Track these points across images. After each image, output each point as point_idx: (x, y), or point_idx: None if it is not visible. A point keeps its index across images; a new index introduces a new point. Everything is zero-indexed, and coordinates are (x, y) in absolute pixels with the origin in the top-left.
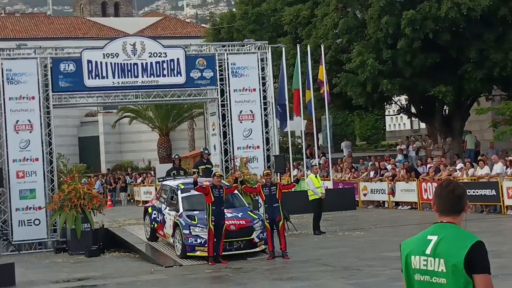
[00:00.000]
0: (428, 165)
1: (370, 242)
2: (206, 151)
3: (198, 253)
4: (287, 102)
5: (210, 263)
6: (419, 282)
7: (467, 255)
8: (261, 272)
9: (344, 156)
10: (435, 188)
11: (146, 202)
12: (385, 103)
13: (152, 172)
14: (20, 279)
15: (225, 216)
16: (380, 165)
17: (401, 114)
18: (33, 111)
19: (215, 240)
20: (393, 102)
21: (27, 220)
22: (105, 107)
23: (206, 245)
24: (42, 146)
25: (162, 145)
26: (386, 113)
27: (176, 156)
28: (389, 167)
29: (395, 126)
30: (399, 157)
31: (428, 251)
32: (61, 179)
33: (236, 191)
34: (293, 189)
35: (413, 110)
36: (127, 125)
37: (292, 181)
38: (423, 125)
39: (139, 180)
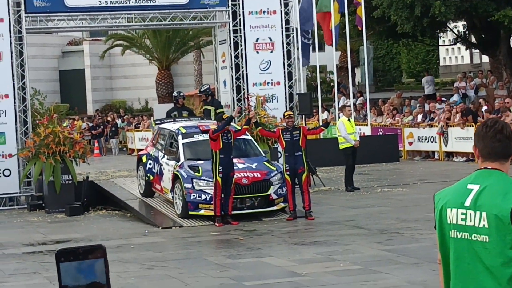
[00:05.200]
0: (484, 107)
1: (415, 200)
2: (198, 92)
3: (202, 212)
4: (315, 28)
5: (217, 224)
6: (455, 240)
7: None
8: (279, 235)
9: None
10: (477, 128)
11: (142, 150)
12: (438, 31)
13: (150, 114)
14: None
15: (236, 167)
16: (430, 107)
17: (458, 45)
18: (2, 36)
19: (223, 196)
20: (448, 30)
21: None
22: (91, 33)
23: (212, 202)
24: (13, 79)
25: (162, 81)
26: (440, 43)
27: (180, 94)
28: (440, 108)
29: (451, 59)
30: (455, 97)
31: (467, 203)
32: (37, 120)
33: (248, 136)
34: (321, 135)
35: (472, 39)
36: (119, 56)
37: (320, 125)
38: (485, 58)
39: (133, 125)
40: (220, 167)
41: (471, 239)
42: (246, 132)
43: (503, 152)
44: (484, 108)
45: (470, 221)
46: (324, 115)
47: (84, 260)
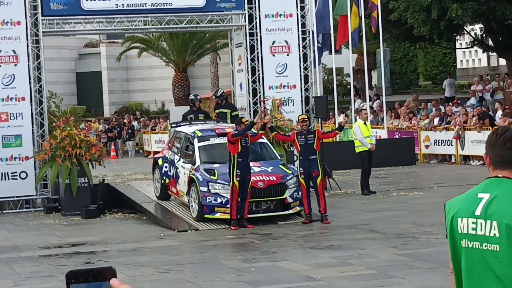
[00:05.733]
0: (498, 112)
1: (431, 204)
2: (213, 97)
3: (218, 215)
4: (332, 31)
5: (233, 228)
6: (466, 249)
7: None
8: (294, 239)
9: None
10: (488, 136)
11: (158, 152)
12: (455, 34)
13: (166, 117)
14: (2, 243)
15: (252, 171)
16: (446, 110)
17: (475, 48)
18: (19, 39)
19: (239, 199)
20: (465, 33)
21: (12, 173)
22: (108, 35)
23: (228, 205)
24: (30, 82)
25: (179, 84)
26: (457, 45)
27: (196, 97)
28: (457, 112)
29: (468, 62)
30: (472, 100)
31: (477, 212)
32: (53, 123)
33: (264, 139)
34: (337, 138)
35: (490, 42)
36: (135, 58)
37: (335, 128)
38: (502, 61)
39: (149, 127)
40: (238, 171)
41: (482, 248)
42: (262, 136)
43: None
44: (499, 112)
45: (481, 230)
46: (340, 118)
47: (94, 282)
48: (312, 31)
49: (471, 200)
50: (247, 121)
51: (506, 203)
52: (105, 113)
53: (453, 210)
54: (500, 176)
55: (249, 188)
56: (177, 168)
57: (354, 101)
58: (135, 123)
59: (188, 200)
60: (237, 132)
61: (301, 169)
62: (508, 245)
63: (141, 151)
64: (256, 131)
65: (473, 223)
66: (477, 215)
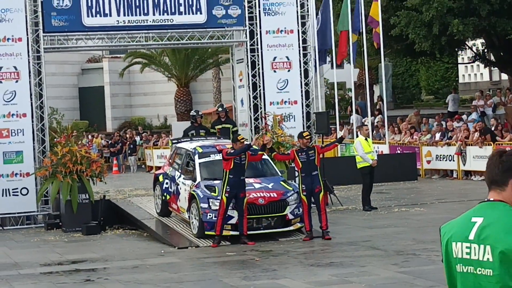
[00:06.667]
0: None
1: (433, 220)
2: (220, 109)
3: None
4: (333, 47)
5: (212, 245)
6: (461, 274)
7: None
8: (295, 256)
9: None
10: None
11: (160, 168)
12: (456, 49)
13: (168, 132)
14: (2, 260)
15: (252, 187)
16: (447, 125)
17: (477, 62)
18: (20, 55)
19: (234, 216)
20: (467, 48)
21: (13, 189)
22: (110, 51)
23: (229, 222)
24: (31, 99)
25: (181, 99)
26: (459, 60)
27: (198, 113)
28: (458, 127)
29: (470, 77)
30: (473, 115)
31: (471, 237)
32: (54, 139)
33: (265, 156)
34: (339, 153)
35: (491, 57)
36: (138, 73)
37: (334, 140)
38: (504, 76)
39: (151, 142)
40: (228, 187)
41: (476, 273)
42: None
43: (501, 179)
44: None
45: (475, 255)
46: (341, 133)
47: None
48: (314, 47)
49: (465, 224)
50: (242, 138)
51: (500, 228)
52: (108, 127)
53: (448, 234)
54: (492, 199)
55: (245, 205)
56: (178, 184)
57: (349, 116)
58: (137, 138)
59: (189, 216)
60: (232, 151)
61: (303, 186)
62: (502, 270)
63: (143, 166)
64: (257, 148)
65: (467, 247)
66: (470, 239)
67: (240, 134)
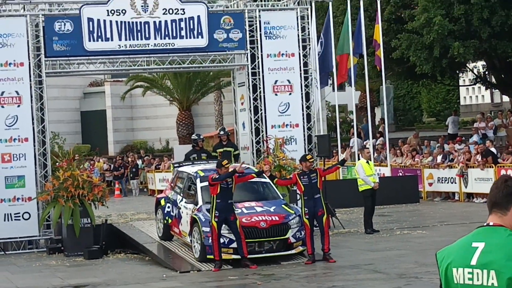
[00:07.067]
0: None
1: (435, 243)
2: (222, 132)
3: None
4: (334, 70)
5: (214, 269)
6: None
7: None
8: (297, 280)
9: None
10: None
11: (162, 191)
12: (457, 71)
13: (170, 155)
14: (4, 285)
15: (254, 211)
16: (449, 148)
17: (478, 85)
18: (22, 80)
19: (223, 240)
20: (468, 70)
21: (15, 214)
22: (113, 75)
23: (231, 245)
24: (33, 123)
25: (183, 122)
26: (460, 83)
27: (199, 137)
28: (460, 149)
29: (472, 99)
30: (475, 137)
31: (473, 262)
32: (56, 163)
33: (266, 179)
34: (341, 176)
35: (492, 79)
36: (140, 97)
37: (336, 163)
38: (506, 98)
39: (153, 165)
40: (216, 212)
41: None
42: (264, 175)
43: (504, 203)
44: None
45: (478, 280)
46: (343, 156)
47: None
48: (315, 70)
49: (466, 249)
50: (227, 163)
51: (504, 254)
52: (110, 151)
53: (447, 260)
54: (492, 223)
55: (239, 228)
56: (180, 208)
57: (350, 138)
58: (139, 162)
59: (191, 240)
60: (217, 176)
61: (305, 209)
62: None
63: (145, 189)
64: (256, 170)
65: (469, 273)
66: (473, 265)
67: (225, 160)
